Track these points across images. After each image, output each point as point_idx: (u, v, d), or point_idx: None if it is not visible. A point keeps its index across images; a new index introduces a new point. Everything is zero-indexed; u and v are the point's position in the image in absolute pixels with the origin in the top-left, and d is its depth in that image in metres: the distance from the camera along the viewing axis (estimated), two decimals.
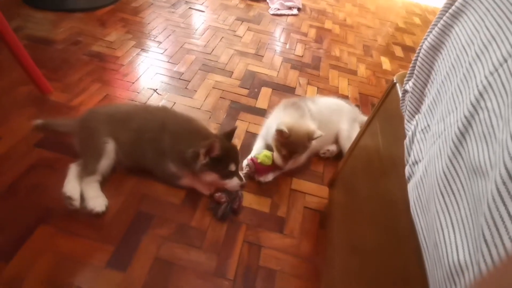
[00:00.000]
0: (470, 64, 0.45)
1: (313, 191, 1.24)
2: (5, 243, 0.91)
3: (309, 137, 1.17)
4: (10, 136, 1.19)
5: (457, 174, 0.38)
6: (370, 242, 0.71)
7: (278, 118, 1.25)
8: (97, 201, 1.02)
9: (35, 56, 1.36)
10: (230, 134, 1.11)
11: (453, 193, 0.38)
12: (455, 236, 0.36)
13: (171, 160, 1.10)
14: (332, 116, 1.39)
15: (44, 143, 1.19)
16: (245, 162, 1.22)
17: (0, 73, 1.45)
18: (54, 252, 0.91)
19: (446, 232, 0.37)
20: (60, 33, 1.79)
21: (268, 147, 1.29)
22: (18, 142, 1.18)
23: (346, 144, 1.35)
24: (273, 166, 1.20)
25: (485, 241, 0.29)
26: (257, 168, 1.18)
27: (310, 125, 1.20)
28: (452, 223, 0.37)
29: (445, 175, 0.40)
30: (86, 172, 1.05)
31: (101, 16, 2.02)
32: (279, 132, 1.14)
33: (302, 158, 1.29)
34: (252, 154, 1.26)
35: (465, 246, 0.34)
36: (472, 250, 0.33)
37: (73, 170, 1.06)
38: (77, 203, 1.00)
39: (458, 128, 0.40)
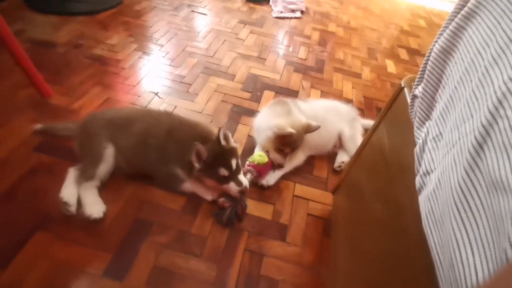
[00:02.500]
0: (486, 68, 0.42)
1: (316, 198, 1.21)
2: (2, 249, 0.89)
3: (307, 130, 1.18)
4: (9, 140, 1.17)
5: (475, 188, 0.35)
6: (376, 250, 0.68)
7: (266, 119, 1.26)
8: (94, 207, 1.00)
9: (37, 59, 1.35)
10: (218, 137, 1.03)
11: (471, 209, 0.35)
12: (473, 257, 0.33)
13: (180, 166, 1.08)
14: (328, 116, 1.37)
15: (43, 147, 1.18)
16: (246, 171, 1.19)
17: (1, 76, 1.44)
18: (50, 259, 0.89)
19: (464, 252, 0.34)
20: (62, 36, 1.78)
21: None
22: (18, 146, 1.16)
23: (350, 146, 1.34)
24: (271, 162, 1.20)
25: None
26: (258, 170, 1.16)
27: (302, 119, 1.22)
28: (470, 242, 0.34)
29: (461, 189, 0.37)
30: (84, 177, 1.03)
31: (103, 20, 2.01)
32: (283, 137, 1.13)
33: (301, 157, 1.29)
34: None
35: (485, 268, 0.31)
36: (493, 273, 0.30)
37: (71, 174, 1.04)
38: (73, 209, 0.98)
39: (475, 137, 0.37)
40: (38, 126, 1.19)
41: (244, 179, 1.06)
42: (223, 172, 1.02)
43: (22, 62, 1.27)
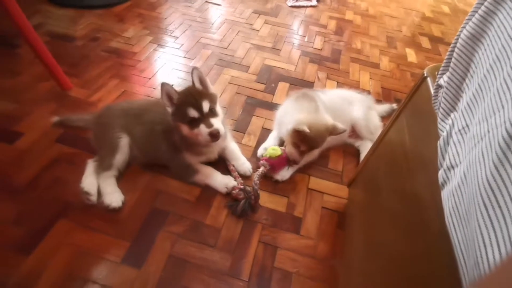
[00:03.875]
0: None
1: (331, 191, 1.19)
2: (26, 237, 0.94)
3: (331, 132, 1.14)
4: (32, 131, 1.22)
5: (505, 184, 0.33)
6: (394, 245, 0.66)
7: (291, 112, 1.22)
8: (113, 196, 1.03)
9: (56, 52, 1.38)
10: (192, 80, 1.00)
11: (499, 206, 0.33)
12: (500, 256, 0.31)
13: (186, 149, 1.08)
14: (343, 105, 1.35)
15: (64, 138, 1.22)
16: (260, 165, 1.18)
17: (23, 69, 1.49)
18: (72, 246, 0.93)
19: (490, 251, 0.32)
20: (80, 29, 1.81)
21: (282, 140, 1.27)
22: (40, 138, 1.20)
23: (365, 133, 1.32)
24: (285, 156, 1.17)
25: None
26: (271, 163, 1.14)
27: (328, 119, 1.17)
28: (497, 241, 0.32)
29: (490, 184, 0.35)
30: (102, 167, 1.06)
31: (119, 12, 2.03)
32: (299, 132, 1.10)
33: (315, 153, 1.26)
34: (263, 147, 1.25)
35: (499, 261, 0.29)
36: None
37: (90, 165, 1.08)
38: (94, 198, 1.01)
39: (506, 130, 0.35)
40: (56, 118, 1.23)
41: (218, 123, 1.00)
42: (192, 113, 0.96)
43: (42, 55, 1.30)
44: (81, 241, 0.94)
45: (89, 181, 1.04)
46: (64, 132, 1.23)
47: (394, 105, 1.54)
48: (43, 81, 1.42)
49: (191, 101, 0.97)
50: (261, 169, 1.12)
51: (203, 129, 0.97)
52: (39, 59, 1.31)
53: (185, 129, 1.01)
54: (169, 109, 1.00)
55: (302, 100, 1.26)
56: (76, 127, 1.24)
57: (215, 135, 0.98)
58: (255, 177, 1.09)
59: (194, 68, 1.00)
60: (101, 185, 1.05)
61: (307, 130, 1.08)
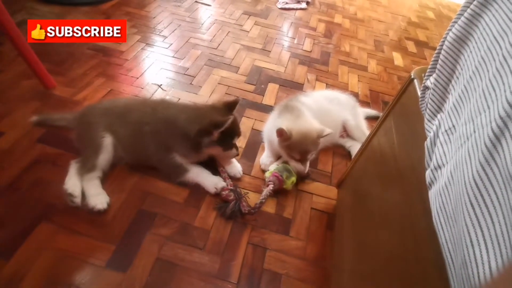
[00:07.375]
0: (504, 57, 0.40)
1: (320, 192, 1.19)
2: (6, 240, 0.89)
3: (318, 135, 1.12)
4: (13, 130, 1.17)
5: (491, 183, 0.34)
6: (383, 245, 0.67)
7: (274, 125, 1.19)
8: (98, 198, 1.00)
9: (40, 50, 1.34)
10: (232, 106, 1.10)
11: (486, 205, 0.33)
12: (488, 255, 0.32)
13: (175, 149, 1.07)
14: (331, 106, 1.35)
15: (46, 138, 1.17)
16: (267, 175, 1.15)
17: (4, 67, 1.44)
18: (54, 250, 0.89)
19: (478, 250, 0.32)
20: None
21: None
22: (21, 137, 1.16)
23: (357, 134, 1.34)
24: (276, 173, 1.13)
25: None
26: (281, 181, 1.11)
27: (313, 123, 1.15)
28: (484, 239, 0.32)
29: (476, 184, 0.35)
30: (86, 168, 1.03)
31: (106, 10, 1.99)
32: (279, 132, 1.08)
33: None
34: (272, 167, 1.19)
35: (500, 267, 0.30)
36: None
37: (74, 166, 1.04)
38: (78, 200, 0.98)
39: (492, 130, 0.35)
40: (34, 118, 1.17)
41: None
42: (236, 139, 1.11)
43: (25, 53, 1.25)
44: (64, 245, 0.91)
45: (73, 182, 1.00)
46: (46, 132, 1.19)
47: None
48: (26, 79, 1.37)
49: (237, 130, 1.12)
50: (271, 188, 1.08)
51: (234, 151, 1.12)
52: (21, 57, 1.27)
53: (216, 150, 1.09)
54: (215, 136, 1.04)
55: (284, 112, 1.21)
56: (58, 126, 1.19)
57: (237, 155, 1.15)
58: (263, 196, 1.06)
59: (238, 99, 1.12)
60: (85, 187, 1.01)
61: (284, 128, 1.05)
